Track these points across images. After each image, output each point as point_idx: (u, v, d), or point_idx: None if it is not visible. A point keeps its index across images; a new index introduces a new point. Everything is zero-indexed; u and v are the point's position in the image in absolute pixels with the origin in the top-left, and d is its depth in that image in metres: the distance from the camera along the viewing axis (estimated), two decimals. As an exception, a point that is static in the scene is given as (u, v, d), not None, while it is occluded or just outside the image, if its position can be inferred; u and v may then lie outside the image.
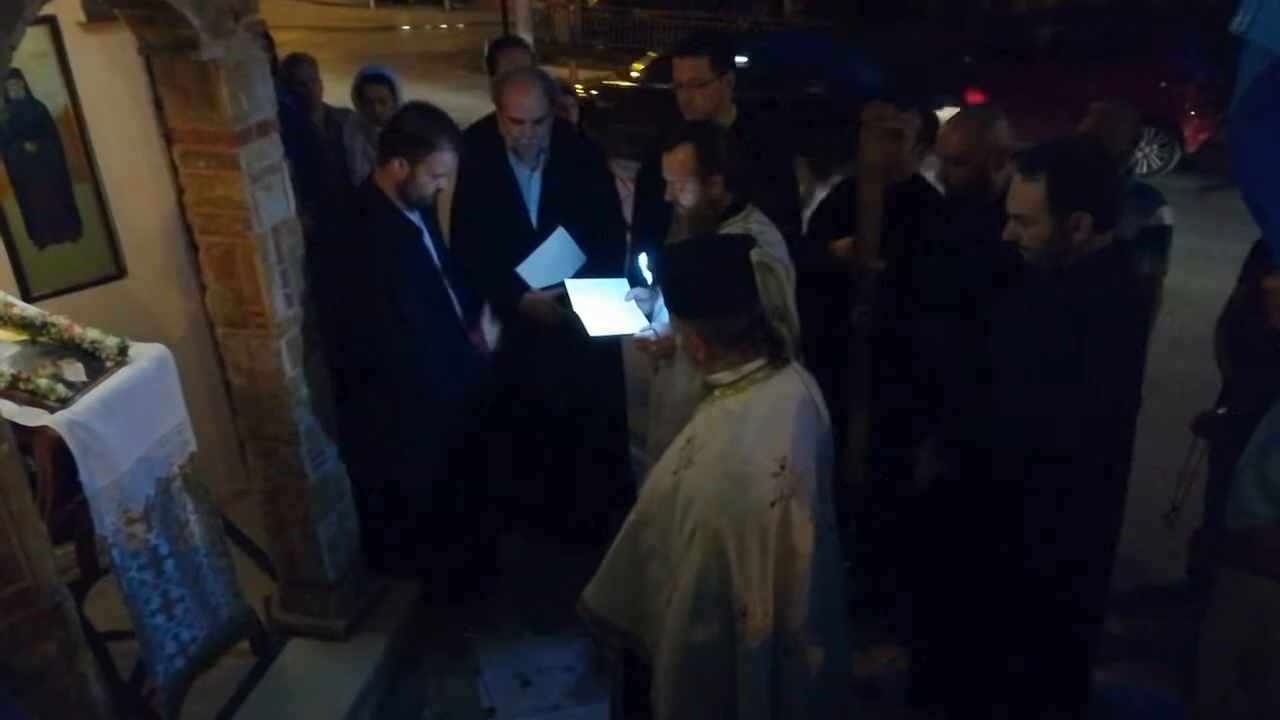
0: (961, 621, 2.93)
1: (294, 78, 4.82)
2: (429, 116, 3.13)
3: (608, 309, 3.13)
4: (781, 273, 2.74)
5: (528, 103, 3.38)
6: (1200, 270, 6.01)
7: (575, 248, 3.54)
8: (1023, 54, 10.80)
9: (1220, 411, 3.29)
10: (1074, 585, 2.75)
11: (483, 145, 3.60)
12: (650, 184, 3.60)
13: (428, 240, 3.28)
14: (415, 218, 3.23)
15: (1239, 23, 1.72)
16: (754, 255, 2.29)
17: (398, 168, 3.06)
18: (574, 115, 5.02)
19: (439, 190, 3.19)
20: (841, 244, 3.31)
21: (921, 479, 2.94)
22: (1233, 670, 2.55)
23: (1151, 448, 3.20)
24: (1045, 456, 2.52)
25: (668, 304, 2.30)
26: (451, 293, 3.34)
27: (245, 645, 3.27)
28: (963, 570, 2.87)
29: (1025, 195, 2.46)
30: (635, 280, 3.34)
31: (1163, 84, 9.53)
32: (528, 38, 15.57)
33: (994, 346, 2.68)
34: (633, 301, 2.99)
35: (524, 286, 3.53)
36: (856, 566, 3.56)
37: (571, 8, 19.72)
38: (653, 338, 2.87)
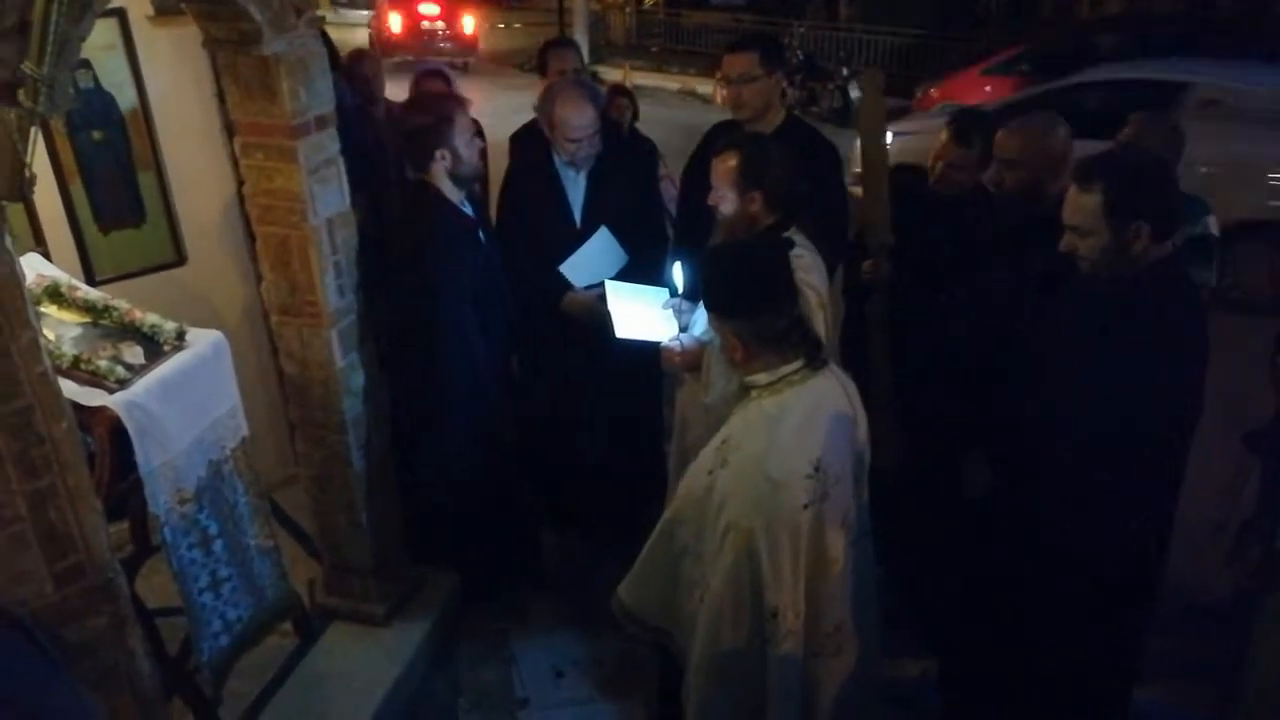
0: (998, 634, 2.90)
1: (357, 73, 4.93)
2: (424, 102, 3.24)
3: (642, 314, 3.13)
4: (813, 299, 2.64)
5: (582, 120, 3.42)
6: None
7: (618, 247, 3.57)
8: (1084, 62, 10.62)
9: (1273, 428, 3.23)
10: (1120, 601, 2.71)
11: (529, 147, 3.64)
12: (692, 184, 3.63)
13: (483, 234, 3.34)
14: (469, 210, 3.28)
15: None
16: None
17: (441, 158, 3.13)
18: (627, 116, 5.06)
19: (484, 150, 3.24)
20: (866, 266, 3.32)
21: (972, 489, 2.92)
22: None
23: (1200, 463, 3.15)
24: (1099, 469, 2.48)
25: (706, 303, 2.30)
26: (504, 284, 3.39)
27: (288, 626, 3.34)
28: (1003, 582, 2.84)
29: (1082, 206, 2.42)
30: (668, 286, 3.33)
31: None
32: (583, 39, 15.72)
33: (1049, 357, 2.64)
34: (669, 311, 2.97)
35: (567, 285, 3.57)
36: (892, 577, 3.56)
37: (627, 9, 19.79)
38: (678, 348, 2.82)
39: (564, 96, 3.48)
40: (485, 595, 3.73)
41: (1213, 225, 3.62)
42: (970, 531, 2.93)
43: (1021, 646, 2.82)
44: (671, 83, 15.96)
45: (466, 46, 16.50)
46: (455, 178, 3.18)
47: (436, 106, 3.21)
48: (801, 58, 13.46)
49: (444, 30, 16.18)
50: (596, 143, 3.50)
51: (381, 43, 15.71)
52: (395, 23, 16.27)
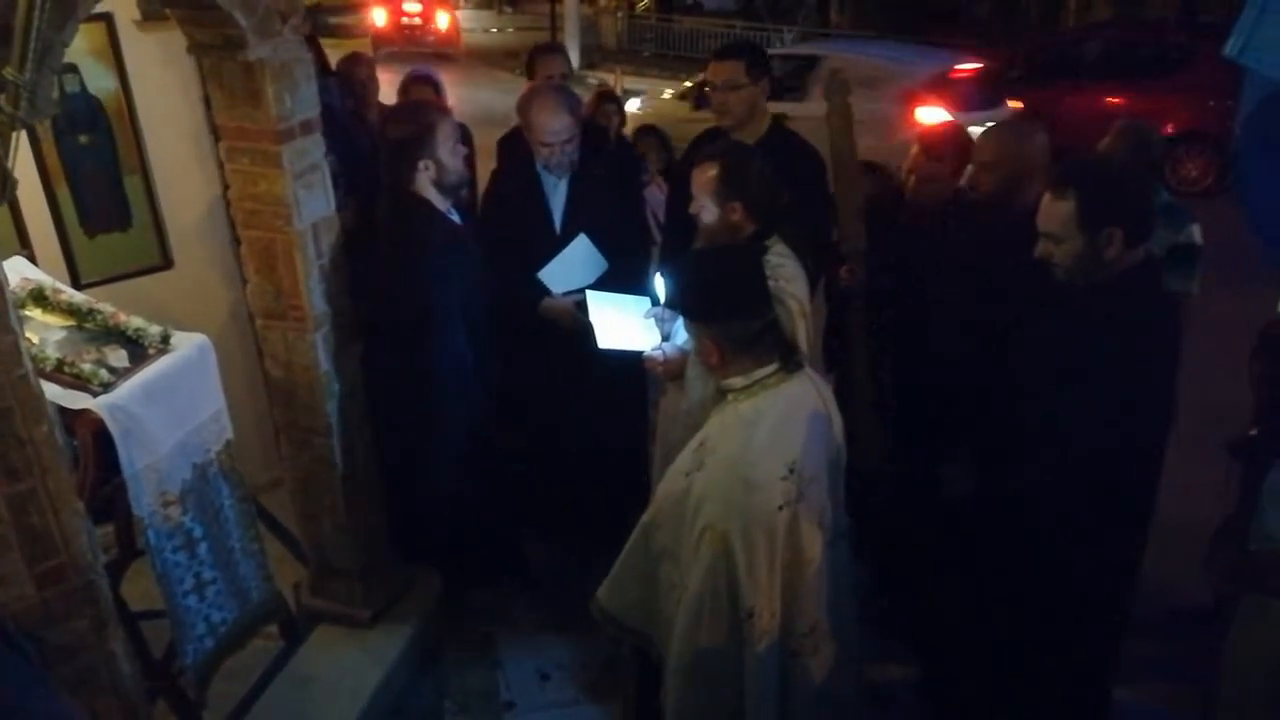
0: (979, 635, 2.92)
1: (352, 77, 4.96)
2: (405, 112, 3.29)
3: (624, 324, 3.14)
4: (795, 308, 2.65)
5: (555, 125, 3.43)
6: (1241, 292, 5.92)
7: (597, 254, 3.57)
8: (1071, 69, 10.71)
9: (1254, 433, 3.26)
10: (1096, 603, 2.74)
11: (514, 151, 3.66)
12: (679, 191, 3.65)
13: (471, 242, 3.35)
14: (456, 217, 3.30)
15: (1231, 47, 1.71)
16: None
17: (425, 169, 3.12)
18: (615, 123, 5.07)
19: (468, 157, 3.27)
20: (842, 272, 3.35)
21: (951, 493, 2.94)
22: (1257, 695, 2.53)
23: (1185, 469, 3.17)
24: (1071, 474, 2.51)
25: (680, 309, 2.33)
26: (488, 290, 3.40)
27: (274, 629, 3.35)
28: (982, 584, 2.86)
29: (1056, 213, 2.46)
30: (651, 295, 3.35)
31: (1211, 102, 9.37)
32: (574, 43, 15.77)
33: (1023, 363, 2.67)
34: (651, 320, 2.98)
35: (545, 291, 3.58)
36: (878, 579, 3.58)
37: (618, 14, 19.87)
38: (660, 358, 2.84)
39: (539, 101, 3.49)
40: (465, 589, 3.74)
41: (1196, 234, 3.64)
42: (952, 533, 2.95)
43: (1002, 647, 2.84)
44: (665, 87, 16.04)
45: (444, 40, 18.59)
46: (441, 186, 3.17)
47: (418, 116, 3.19)
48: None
49: (422, 25, 18.55)
50: (572, 150, 3.50)
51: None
52: (380, 18, 18.17)
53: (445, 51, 18.18)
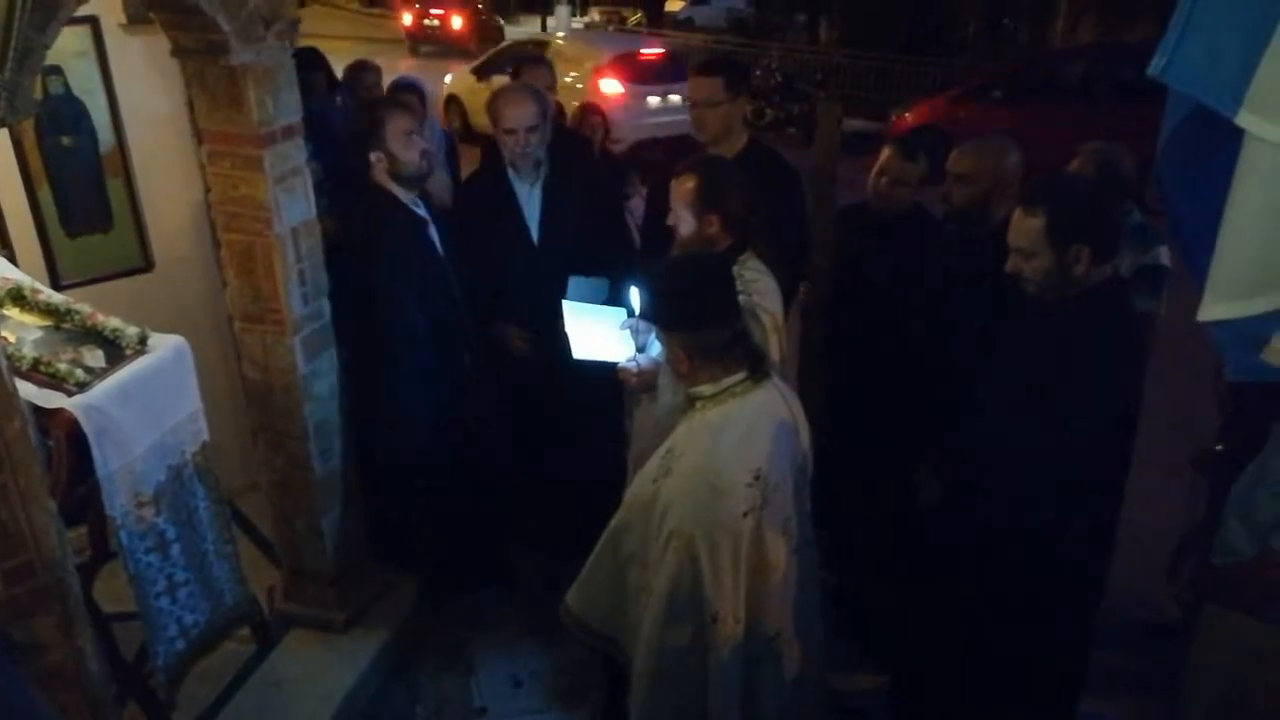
0: (947, 646, 2.95)
1: (359, 83, 5.05)
2: (361, 110, 3.41)
3: (599, 334, 3.15)
4: (768, 323, 2.67)
5: (517, 113, 3.46)
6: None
7: (590, 282, 3.37)
8: (1055, 90, 10.83)
9: (1219, 449, 3.30)
10: (1061, 615, 2.77)
11: (487, 163, 3.70)
12: (656, 202, 3.68)
13: (433, 232, 3.40)
14: (422, 211, 3.35)
15: (1155, 66, 1.74)
16: (741, 301, 2.34)
17: (377, 161, 3.21)
18: (600, 135, 5.12)
19: (425, 152, 3.33)
20: (801, 291, 3.41)
21: (924, 501, 2.97)
22: (1216, 707, 2.56)
23: (1154, 483, 3.21)
24: (1037, 485, 2.54)
25: (650, 317, 2.35)
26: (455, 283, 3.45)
27: (247, 632, 3.35)
28: (950, 595, 2.89)
29: (1026, 229, 2.50)
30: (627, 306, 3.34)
31: (1193, 125, 9.47)
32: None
33: (989, 376, 2.71)
34: (626, 331, 2.95)
35: (520, 302, 3.60)
36: (844, 588, 3.61)
37: (609, 28, 20.00)
38: (634, 369, 2.86)
39: (505, 93, 3.57)
40: (445, 597, 3.74)
41: (1164, 256, 3.68)
42: (920, 544, 2.98)
43: (971, 658, 2.87)
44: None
45: (458, 39, 21.68)
46: (399, 179, 3.24)
47: (370, 112, 3.35)
48: (780, 79, 13.61)
49: (440, 27, 22.08)
50: (537, 145, 3.51)
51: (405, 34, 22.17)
52: (407, 18, 22.32)
53: (461, 48, 20.85)
